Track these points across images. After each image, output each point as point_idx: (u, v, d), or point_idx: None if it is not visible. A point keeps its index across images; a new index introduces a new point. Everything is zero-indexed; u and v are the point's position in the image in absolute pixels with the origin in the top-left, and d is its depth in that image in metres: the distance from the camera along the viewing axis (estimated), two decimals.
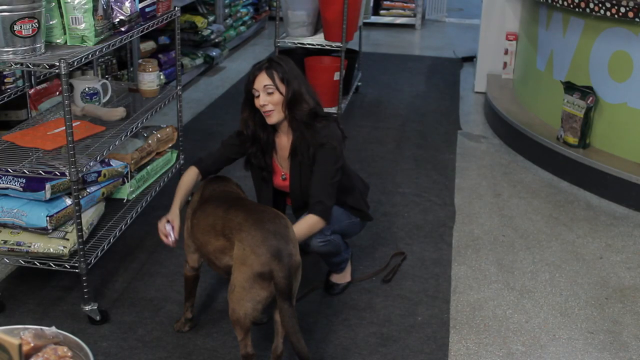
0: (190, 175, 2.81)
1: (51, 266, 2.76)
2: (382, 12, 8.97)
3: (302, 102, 2.66)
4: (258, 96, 2.65)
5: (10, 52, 2.51)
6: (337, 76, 4.96)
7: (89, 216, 2.90)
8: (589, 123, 4.22)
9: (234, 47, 7.40)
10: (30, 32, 2.52)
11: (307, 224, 2.68)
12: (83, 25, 2.69)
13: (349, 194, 2.90)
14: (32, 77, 3.48)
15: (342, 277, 3.08)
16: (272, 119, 2.68)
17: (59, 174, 2.59)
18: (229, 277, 2.37)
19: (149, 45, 5.40)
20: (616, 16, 3.92)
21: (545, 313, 2.96)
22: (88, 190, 2.90)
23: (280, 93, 2.63)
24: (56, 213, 2.73)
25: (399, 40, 8.31)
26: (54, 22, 2.70)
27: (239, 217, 2.36)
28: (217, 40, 6.52)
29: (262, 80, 2.64)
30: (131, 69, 5.07)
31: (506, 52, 5.75)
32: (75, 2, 2.66)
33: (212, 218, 2.45)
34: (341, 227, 2.86)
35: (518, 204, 3.97)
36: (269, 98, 2.63)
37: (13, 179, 2.71)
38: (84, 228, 2.79)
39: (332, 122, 2.73)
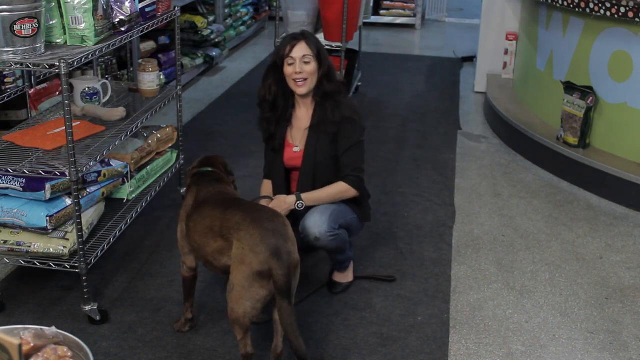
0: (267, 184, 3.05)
1: (51, 266, 2.76)
2: (382, 12, 8.97)
3: (334, 77, 2.82)
4: (292, 64, 2.76)
5: (10, 52, 2.51)
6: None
7: (89, 216, 2.90)
8: (589, 123, 4.22)
9: (234, 47, 7.40)
10: (30, 32, 2.52)
11: (337, 189, 2.83)
12: (83, 25, 2.69)
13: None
14: (32, 77, 3.47)
15: (345, 277, 3.09)
16: (303, 89, 2.78)
17: (59, 174, 2.59)
18: (227, 276, 2.37)
19: (149, 45, 5.40)
20: (616, 16, 3.92)
21: (545, 313, 2.96)
22: (88, 190, 2.90)
23: (317, 64, 2.76)
24: (56, 213, 2.73)
25: (399, 40, 8.31)
26: (54, 22, 2.70)
27: (237, 217, 2.36)
28: (217, 40, 6.52)
29: (302, 50, 2.75)
30: (131, 69, 5.07)
31: (506, 52, 5.75)
32: (75, 2, 2.66)
33: (210, 219, 2.45)
34: (347, 221, 2.88)
35: (518, 204, 3.97)
36: (306, 67, 2.75)
37: (13, 179, 2.71)
38: (84, 228, 2.79)
39: (350, 96, 2.90)
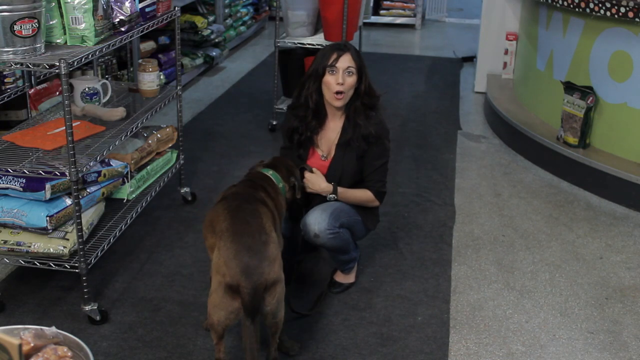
0: None
1: (51, 266, 2.76)
2: (382, 12, 8.97)
3: (371, 92, 2.83)
4: (334, 74, 2.75)
5: (10, 52, 2.51)
6: None
7: (89, 216, 2.90)
8: (589, 123, 4.22)
9: (234, 47, 7.40)
10: (30, 32, 2.52)
11: (366, 195, 2.87)
12: (83, 25, 2.69)
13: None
14: (32, 77, 3.47)
15: (347, 278, 3.09)
16: (341, 102, 2.80)
17: (59, 174, 2.60)
18: None
19: (149, 45, 5.40)
20: (616, 16, 3.92)
21: (545, 313, 2.96)
22: (88, 190, 2.90)
23: (358, 77, 2.78)
24: (56, 213, 2.73)
25: (399, 40, 8.31)
26: (54, 22, 2.70)
27: (225, 224, 2.37)
28: (217, 40, 6.52)
29: (347, 61, 2.76)
30: (131, 69, 5.07)
31: (506, 52, 5.75)
32: (75, 2, 2.66)
33: (214, 214, 2.49)
34: (349, 221, 2.88)
35: (518, 204, 3.97)
36: (348, 79, 2.76)
37: (13, 179, 2.71)
38: (84, 228, 2.79)
39: (380, 113, 2.88)
